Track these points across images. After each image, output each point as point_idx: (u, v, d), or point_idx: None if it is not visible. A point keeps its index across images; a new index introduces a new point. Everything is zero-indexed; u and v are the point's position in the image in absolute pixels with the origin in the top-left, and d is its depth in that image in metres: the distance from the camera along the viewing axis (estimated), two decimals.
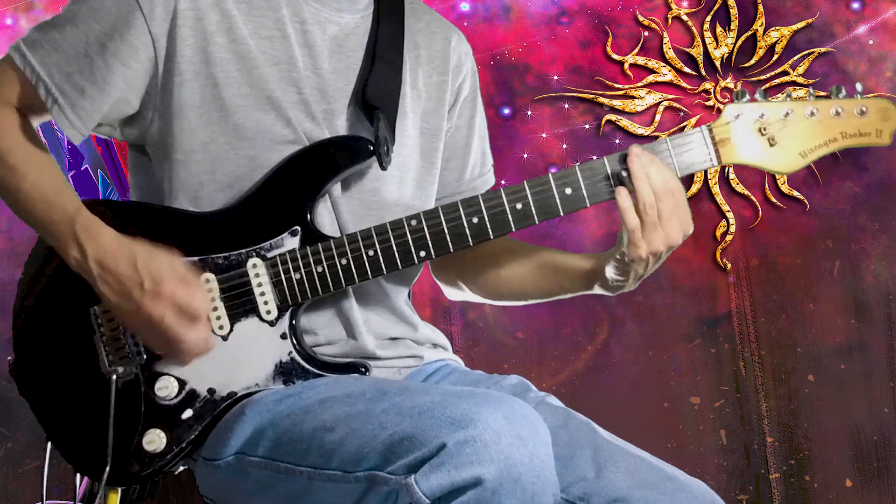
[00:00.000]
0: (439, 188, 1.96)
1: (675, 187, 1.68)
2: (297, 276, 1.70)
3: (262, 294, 1.70)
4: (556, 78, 3.78)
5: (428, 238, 1.71)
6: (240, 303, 1.70)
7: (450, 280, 2.02)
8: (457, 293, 2.03)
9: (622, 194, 1.68)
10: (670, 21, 3.79)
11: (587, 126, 3.78)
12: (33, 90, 1.70)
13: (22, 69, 1.70)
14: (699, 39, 3.78)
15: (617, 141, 3.76)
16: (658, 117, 3.76)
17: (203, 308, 1.65)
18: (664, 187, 1.67)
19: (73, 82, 1.69)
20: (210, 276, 1.70)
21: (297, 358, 1.70)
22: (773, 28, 3.78)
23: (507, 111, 3.77)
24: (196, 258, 1.70)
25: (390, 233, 1.70)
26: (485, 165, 2.04)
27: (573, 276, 1.85)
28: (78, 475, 1.86)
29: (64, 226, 1.66)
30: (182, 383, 1.70)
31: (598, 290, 1.83)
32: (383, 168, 1.74)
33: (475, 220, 1.71)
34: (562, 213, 1.71)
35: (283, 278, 1.70)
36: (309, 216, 1.71)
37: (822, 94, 1.73)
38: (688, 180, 3.68)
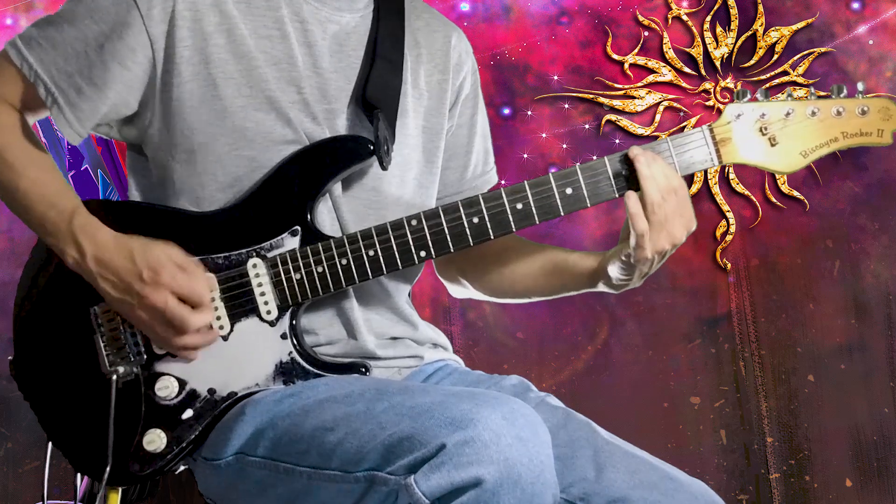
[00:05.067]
0: (441, 187, 1.96)
1: (678, 185, 1.69)
2: (298, 276, 1.70)
3: (263, 294, 1.70)
4: (556, 78, 3.78)
5: (428, 238, 1.71)
6: (240, 303, 1.70)
7: (453, 278, 2.02)
8: (461, 290, 2.03)
9: (632, 199, 1.67)
10: (670, 21, 3.79)
11: (587, 126, 3.78)
12: (32, 88, 1.70)
13: (19, 66, 1.69)
14: (699, 39, 3.78)
15: (617, 141, 3.76)
16: (658, 117, 3.76)
17: (204, 292, 1.65)
18: (668, 186, 1.67)
19: (72, 82, 1.69)
20: (210, 276, 1.70)
21: (298, 358, 1.70)
22: (773, 28, 3.78)
23: (507, 111, 3.77)
24: (196, 258, 1.70)
25: (391, 233, 1.70)
26: (487, 164, 2.04)
27: (577, 276, 1.85)
28: (78, 475, 1.85)
29: (62, 226, 1.66)
30: (182, 383, 1.70)
31: (601, 287, 1.83)
32: (384, 168, 1.74)
33: (476, 220, 1.71)
34: (562, 213, 1.71)
35: (284, 278, 1.70)
36: (309, 216, 1.71)
37: (823, 94, 1.73)
38: (688, 180, 3.67)
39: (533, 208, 1.71)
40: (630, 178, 1.69)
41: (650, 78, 3.78)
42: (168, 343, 1.67)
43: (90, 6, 1.70)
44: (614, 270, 1.76)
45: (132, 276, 1.63)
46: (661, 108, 3.77)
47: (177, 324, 1.63)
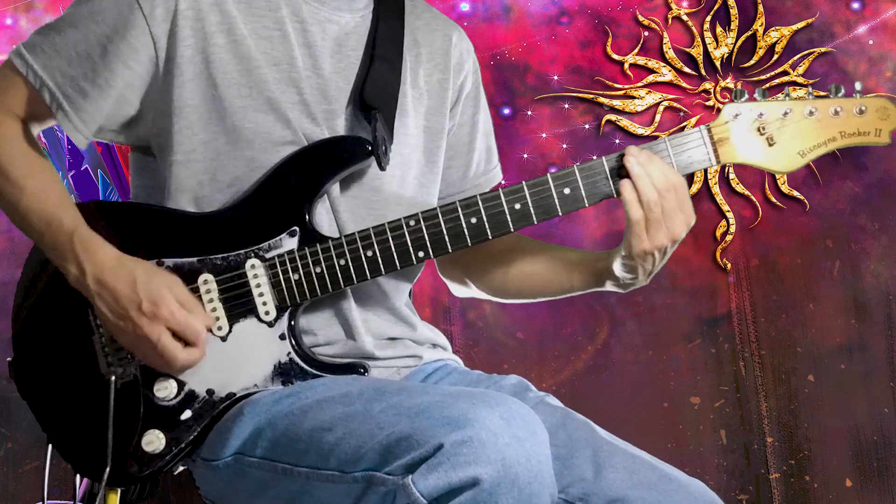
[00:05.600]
0: (444, 186, 1.96)
1: (677, 183, 1.68)
2: (296, 276, 1.70)
3: (261, 295, 1.70)
4: (556, 78, 3.78)
5: (426, 238, 1.71)
6: (238, 304, 1.70)
7: (456, 277, 2.01)
8: (464, 290, 2.02)
9: (627, 186, 1.67)
10: (670, 21, 3.79)
11: (587, 126, 3.78)
12: (37, 96, 1.70)
13: (24, 74, 1.69)
14: (699, 39, 3.78)
15: (617, 141, 3.76)
16: (658, 117, 3.76)
17: (200, 331, 1.65)
18: (666, 184, 1.67)
19: (76, 86, 1.69)
20: (209, 276, 1.70)
21: (296, 358, 1.70)
22: (773, 28, 3.78)
23: (507, 111, 3.77)
24: (195, 259, 1.70)
25: (389, 234, 1.70)
26: (490, 162, 2.04)
27: (583, 274, 1.84)
28: (78, 475, 1.86)
29: (62, 242, 1.66)
30: (181, 384, 1.70)
31: (609, 287, 1.82)
32: (382, 168, 1.74)
33: (473, 220, 1.71)
34: (560, 214, 1.71)
35: (282, 279, 1.70)
36: (307, 217, 1.71)
37: (822, 93, 1.73)
38: (688, 180, 3.67)
39: (531, 208, 1.71)
40: (628, 178, 1.69)
41: (650, 78, 3.78)
42: (154, 368, 1.68)
43: (92, 8, 1.70)
44: (618, 267, 1.76)
45: (131, 305, 1.63)
46: (661, 108, 3.77)
47: (166, 359, 1.64)
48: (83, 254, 1.65)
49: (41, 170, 1.72)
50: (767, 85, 3.72)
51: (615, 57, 3.78)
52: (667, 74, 3.78)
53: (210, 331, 1.69)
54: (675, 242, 1.71)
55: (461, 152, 1.98)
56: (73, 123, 1.70)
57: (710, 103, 3.77)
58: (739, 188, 3.77)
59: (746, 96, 1.71)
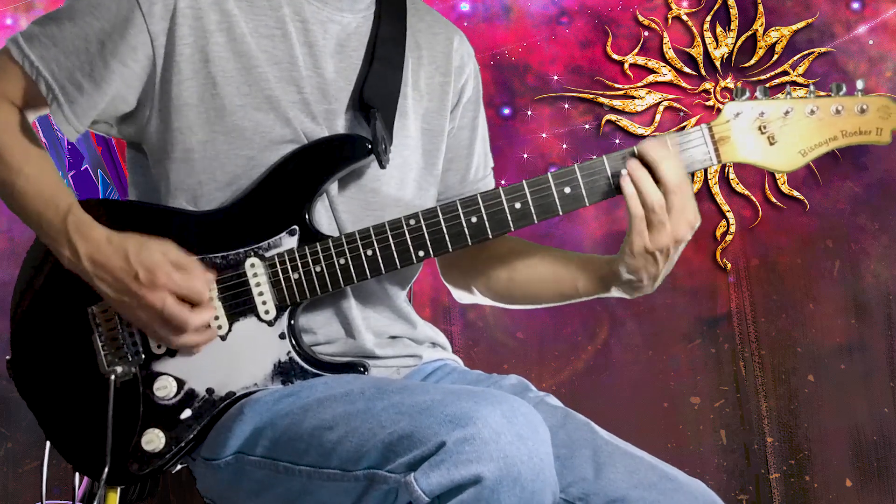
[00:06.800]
0: (443, 189, 1.96)
1: (681, 183, 1.68)
2: (296, 275, 1.70)
3: (261, 294, 1.70)
4: (556, 78, 3.78)
5: (426, 238, 1.71)
6: (238, 302, 1.70)
7: (460, 283, 2.00)
8: (467, 297, 2.01)
9: (627, 181, 1.67)
10: (670, 21, 3.79)
11: (587, 126, 3.77)
12: (33, 85, 1.70)
13: (20, 63, 1.70)
14: (699, 39, 3.78)
15: (617, 141, 3.76)
16: (658, 117, 3.76)
17: (202, 290, 1.65)
18: (674, 183, 1.67)
19: (73, 79, 1.69)
20: (208, 273, 1.70)
21: (296, 357, 1.70)
22: (773, 28, 3.78)
23: (507, 111, 3.76)
24: (195, 258, 1.70)
25: (389, 233, 1.70)
26: (486, 168, 2.04)
27: (588, 280, 1.82)
28: (77, 475, 1.85)
29: (57, 225, 1.66)
30: (181, 383, 1.70)
31: (615, 293, 1.81)
32: (382, 167, 1.73)
33: (474, 219, 1.71)
34: (560, 213, 1.71)
35: (282, 278, 1.70)
36: (307, 215, 1.71)
37: (823, 93, 1.73)
38: None
39: (531, 207, 1.70)
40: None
41: (650, 78, 3.78)
42: (167, 342, 1.67)
43: (92, 3, 1.70)
44: (622, 270, 1.75)
45: (128, 277, 1.62)
46: (661, 108, 3.77)
47: (175, 324, 1.63)
48: (76, 235, 1.65)
49: (37, 155, 1.72)
50: (767, 85, 3.72)
51: (615, 57, 3.78)
52: (667, 74, 3.78)
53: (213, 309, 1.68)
54: (679, 244, 1.70)
55: (460, 155, 1.98)
56: (66, 116, 1.70)
57: (710, 103, 3.77)
58: (739, 188, 3.76)
59: (748, 95, 1.70)
